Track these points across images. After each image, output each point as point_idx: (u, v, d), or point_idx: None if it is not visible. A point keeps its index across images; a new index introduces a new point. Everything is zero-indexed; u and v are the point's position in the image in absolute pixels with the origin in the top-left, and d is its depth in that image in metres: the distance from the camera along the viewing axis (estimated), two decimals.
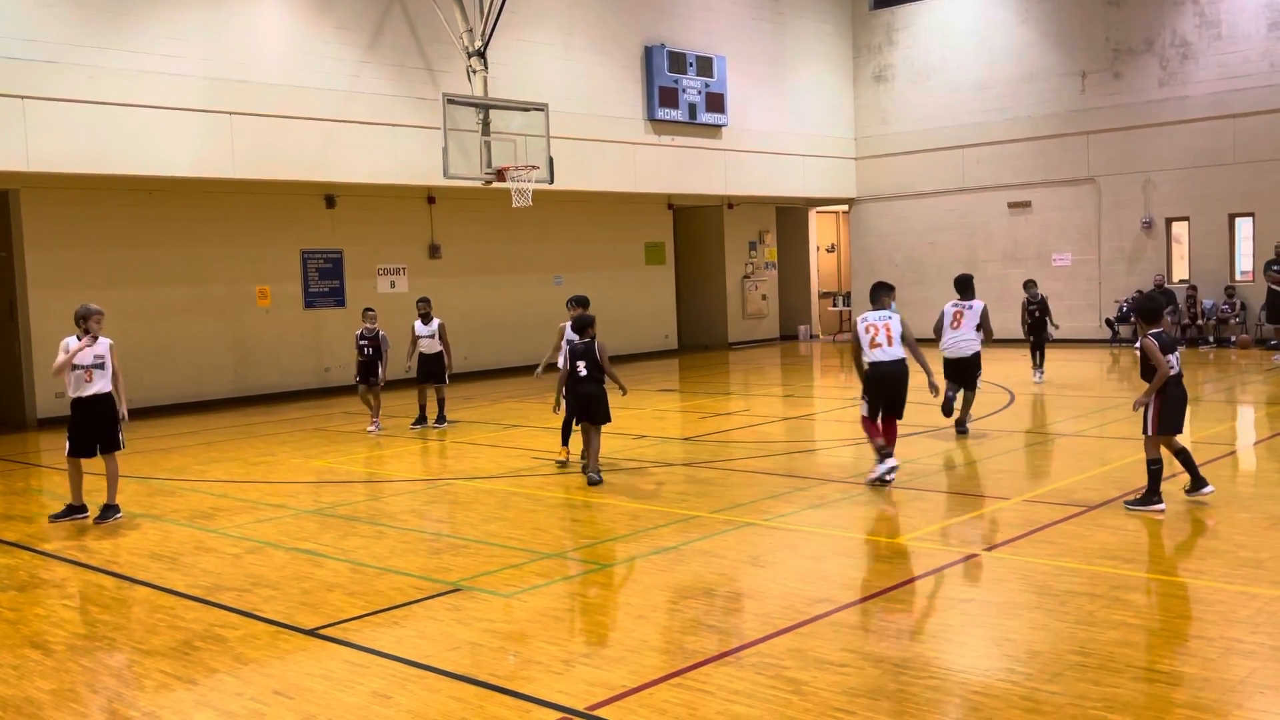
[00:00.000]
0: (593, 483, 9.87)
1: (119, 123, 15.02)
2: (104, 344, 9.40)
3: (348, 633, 6.13)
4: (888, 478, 9.42)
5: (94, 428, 9.36)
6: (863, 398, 9.64)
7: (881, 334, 9.41)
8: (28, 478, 12.36)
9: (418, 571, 7.37)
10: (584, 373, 10.07)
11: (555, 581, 7.16)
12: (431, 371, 14.40)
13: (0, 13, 14.11)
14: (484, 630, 6.06)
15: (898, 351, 9.42)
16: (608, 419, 10.20)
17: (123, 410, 9.55)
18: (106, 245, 17.14)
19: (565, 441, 11.13)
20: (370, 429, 14.28)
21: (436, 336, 14.36)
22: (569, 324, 10.64)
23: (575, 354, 10.15)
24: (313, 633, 6.16)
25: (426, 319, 14.46)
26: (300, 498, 10.44)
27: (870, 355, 9.42)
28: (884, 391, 9.48)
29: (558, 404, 10.80)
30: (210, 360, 18.37)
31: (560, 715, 4.85)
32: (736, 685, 5.08)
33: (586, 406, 10.09)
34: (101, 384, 9.34)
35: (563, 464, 10.99)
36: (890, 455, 9.48)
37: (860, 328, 9.50)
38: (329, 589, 7.04)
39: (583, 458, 10.44)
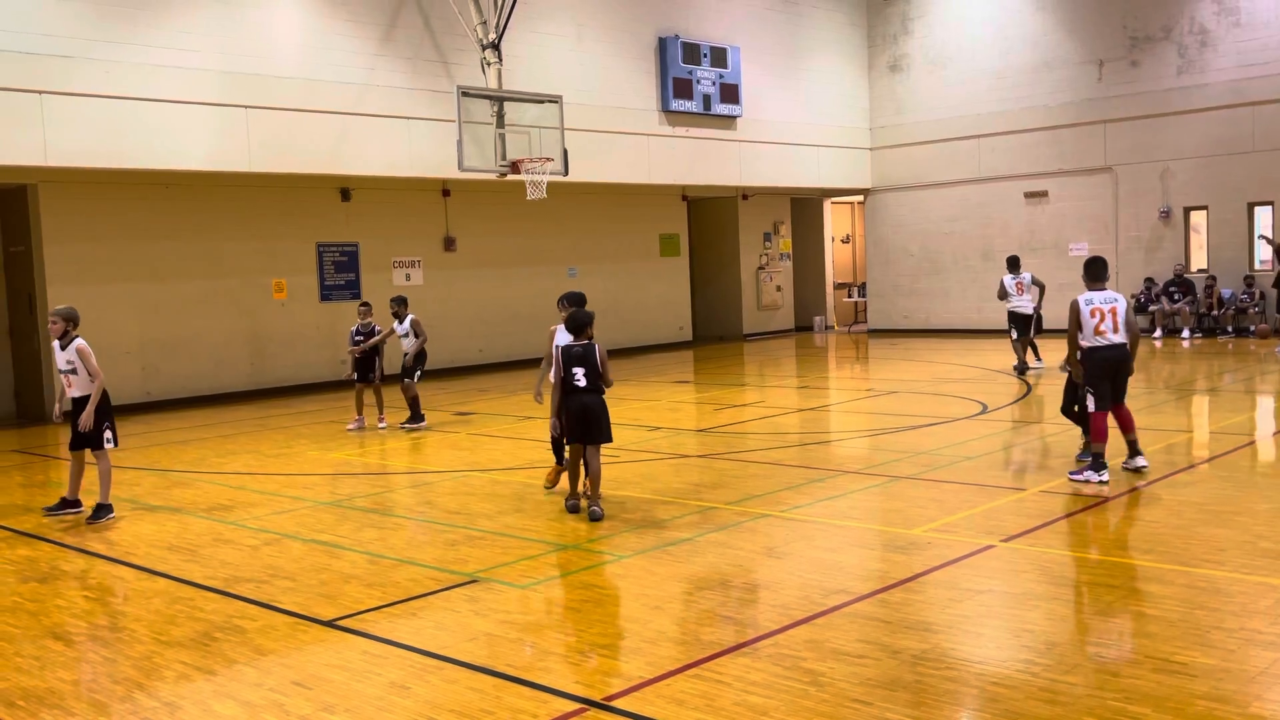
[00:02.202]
0: (596, 517, 8.31)
1: (135, 117, 15.09)
2: (73, 348, 9.21)
3: (365, 624, 6.15)
4: (1092, 480, 8.81)
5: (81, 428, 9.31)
6: (1088, 388, 8.86)
7: (1108, 320, 8.80)
8: (47, 470, 12.45)
9: (434, 563, 7.40)
10: (582, 382, 8.32)
11: (571, 573, 7.18)
12: (404, 368, 13.96)
13: (18, 8, 14.18)
14: (501, 621, 6.08)
15: (1121, 338, 8.84)
16: (609, 438, 8.48)
17: (83, 416, 9.15)
18: (123, 239, 17.23)
19: (562, 459, 9.21)
20: (351, 426, 14.02)
21: (412, 334, 13.88)
22: (560, 325, 8.94)
23: (571, 359, 8.37)
24: (331, 624, 6.19)
25: (400, 319, 13.96)
26: (317, 490, 10.49)
27: (1092, 341, 8.83)
28: (1107, 376, 8.85)
29: (565, 429, 8.61)
30: (227, 353, 18.46)
31: (577, 706, 4.86)
32: (753, 676, 5.09)
33: (585, 424, 8.33)
34: (80, 388, 9.23)
35: (552, 488, 9.28)
36: (1103, 463, 8.83)
37: (1085, 310, 8.83)
38: (346, 580, 7.07)
39: (582, 491, 8.66)
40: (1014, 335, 17.21)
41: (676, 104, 21.98)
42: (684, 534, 7.87)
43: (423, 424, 13.87)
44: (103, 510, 9.28)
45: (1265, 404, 13.78)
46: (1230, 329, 21.63)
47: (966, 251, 25.37)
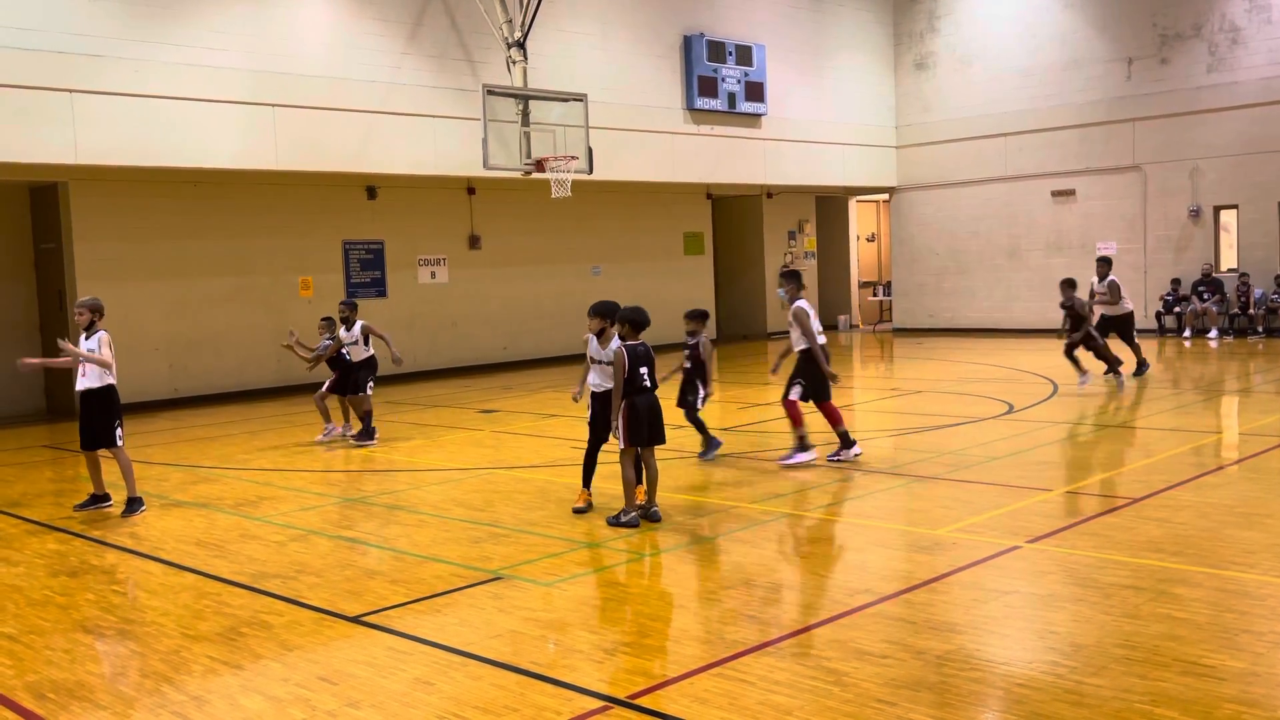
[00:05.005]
0: (657, 518, 8.21)
1: (164, 115, 15.22)
2: (96, 337, 9.20)
3: (390, 620, 6.19)
4: (803, 461, 10.13)
5: (90, 423, 9.29)
6: (800, 381, 10.19)
7: (819, 324, 10.35)
8: (77, 465, 12.55)
9: (459, 560, 7.42)
10: (648, 382, 8.18)
11: (595, 571, 7.19)
12: (354, 381, 12.72)
13: (49, 7, 14.33)
14: (525, 618, 6.10)
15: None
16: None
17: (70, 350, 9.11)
18: (152, 237, 17.39)
19: (589, 482, 8.83)
20: (338, 433, 13.09)
21: (361, 341, 12.67)
22: (592, 335, 8.62)
23: (639, 359, 8.13)
24: (356, 620, 6.23)
25: (348, 324, 12.72)
26: (343, 486, 10.56)
27: (820, 340, 10.20)
28: (822, 374, 10.23)
29: (633, 431, 8.13)
30: (254, 350, 18.59)
31: (601, 704, 4.87)
32: (777, 676, 5.08)
33: (654, 424, 8.21)
34: (93, 379, 9.21)
35: (583, 510, 8.66)
36: (809, 444, 10.27)
37: (813, 313, 10.24)
38: (371, 576, 7.11)
39: (644, 499, 8.37)
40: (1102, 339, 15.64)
41: (701, 102, 21.96)
42: (708, 533, 7.87)
43: (372, 441, 12.62)
44: (134, 504, 9.38)
45: None
46: (1261, 329, 21.41)
47: (993, 251, 25.22)
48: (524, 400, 16.50)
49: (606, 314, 8.58)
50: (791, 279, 10.47)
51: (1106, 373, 15.04)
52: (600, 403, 8.67)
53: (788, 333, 10.49)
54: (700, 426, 10.87)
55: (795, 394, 10.17)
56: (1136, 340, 15.77)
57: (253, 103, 16.06)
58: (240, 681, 5.37)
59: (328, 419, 13.11)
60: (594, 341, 8.62)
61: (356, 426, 13.00)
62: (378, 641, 5.85)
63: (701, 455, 10.74)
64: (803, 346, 10.16)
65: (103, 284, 16.06)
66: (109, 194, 16.90)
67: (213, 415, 16.29)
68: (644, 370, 8.15)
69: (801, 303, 10.24)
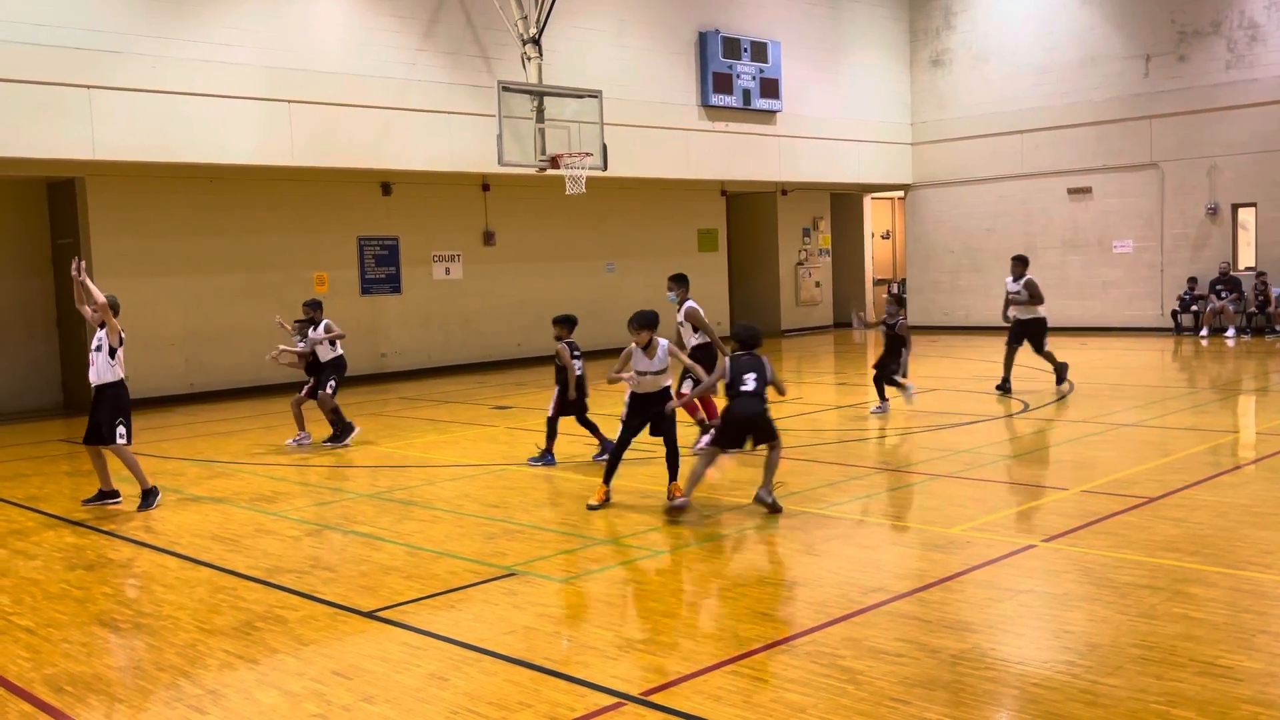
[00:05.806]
0: (772, 506, 8.22)
1: (181, 111, 15.28)
2: (102, 331, 9.20)
3: (405, 615, 6.20)
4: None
5: (96, 418, 9.28)
6: (692, 378, 10.39)
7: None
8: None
9: (473, 556, 7.44)
10: (750, 388, 8.27)
11: (609, 567, 7.19)
12: (317, 382, 12.58)
13: (67, 3, 14.39)
14: (539, 614, 6.11)
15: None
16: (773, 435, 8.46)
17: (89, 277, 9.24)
18: (169, 232, 17.46)
19: (610, 479, 8.79)
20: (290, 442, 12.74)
21: (325, 342, 12.52)
22: (636, 347, 8.65)
23: (741, 369, 8.30)
24: (371, 615, 6.25)
25: (315, 324, 12.57)
26: (358, 482, 10.59)
27: (701, 340, 10.75)
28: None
29: (721, 433, 8.49)
30: (269, 346, 18.53)
31: (615, 700, 4.87)
32: (791, 674, 5.08)
33: (749, 429, 8.37)
34: (102, 372, 9.17)
35: (597, 507, 8.64)
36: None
37: (703, 315, 10.86)
38: (386, 572, 7.13)
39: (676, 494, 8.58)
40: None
41: (716, 99, 21.93)
42: (721, 530, 7.87)
43: (354, 432, 12.55)
44: (149, 496, 9.41)
45: None
46: (1278, 328, 21.27)
47: (1008, 248, 24.95)
48: (538, 396, 16.49)
49: (651, 324, 8.62)
50: (680, 282, 11.00)
51: (878, 408, 13.33)
52: (639, 402, 8.76)
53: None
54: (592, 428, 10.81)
55: (688, 388, 10.03)
56: (1048, 349, 14.76)
57: (269, 99, 16.11)
58: (256, 676, 5.39)
59: (302, 425, 12.72)
60: (639, 354, 8.61)
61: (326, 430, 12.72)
62: (392, 637, 5.87)
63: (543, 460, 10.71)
64: (694, 344, 10.69)
65: (119, 279, 16.12)
66: (126, 189, 16.98)
67: (228, 410, 16.36)
68: (750, 376, 8.26)
69: (691, 303, 10.87)
